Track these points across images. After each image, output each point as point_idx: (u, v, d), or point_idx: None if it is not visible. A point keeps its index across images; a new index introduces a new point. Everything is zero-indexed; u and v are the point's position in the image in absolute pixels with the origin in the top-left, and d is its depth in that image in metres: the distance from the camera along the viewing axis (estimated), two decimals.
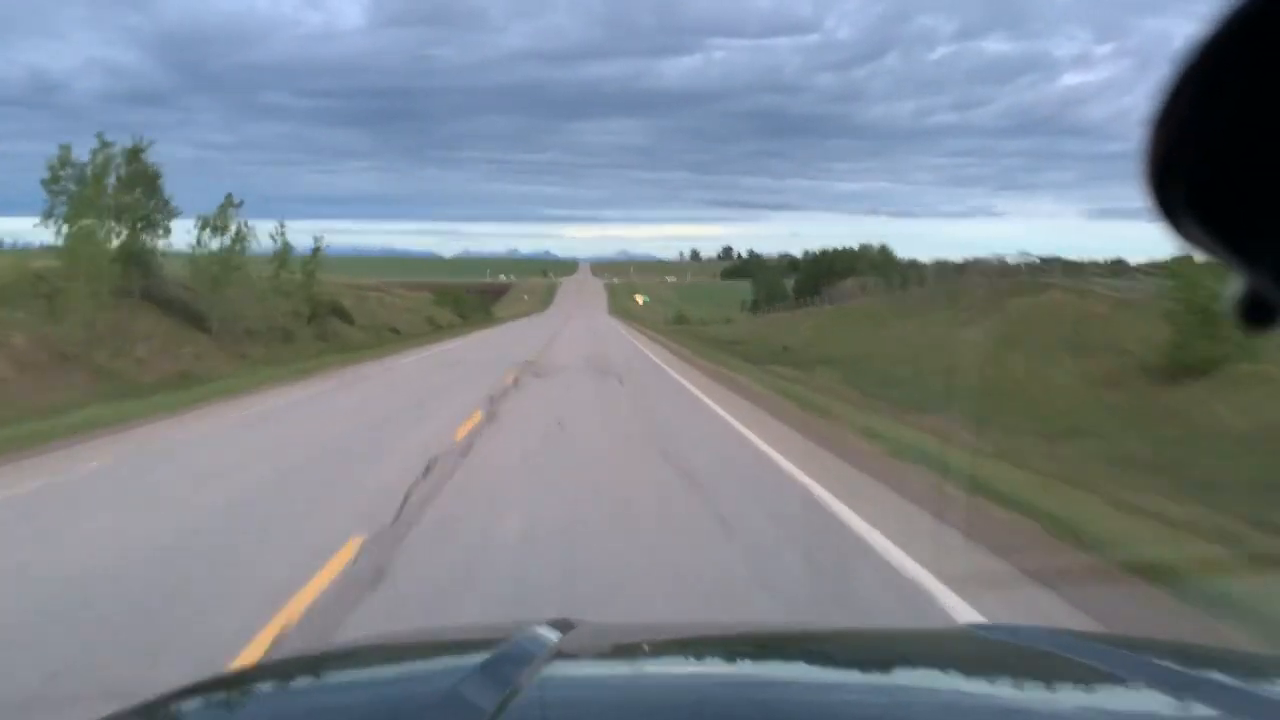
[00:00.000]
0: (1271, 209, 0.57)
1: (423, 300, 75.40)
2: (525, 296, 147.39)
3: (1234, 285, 0.62)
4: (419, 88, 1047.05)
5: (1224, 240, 0.60)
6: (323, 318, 36.94)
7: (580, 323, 66.90)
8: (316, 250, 41.61)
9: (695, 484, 8.11)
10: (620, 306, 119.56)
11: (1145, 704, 1.22)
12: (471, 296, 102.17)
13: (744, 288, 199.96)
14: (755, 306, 78.86)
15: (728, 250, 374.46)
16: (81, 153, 24.23)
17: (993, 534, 6.11)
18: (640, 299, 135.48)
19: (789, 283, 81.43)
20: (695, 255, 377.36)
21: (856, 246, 77.88)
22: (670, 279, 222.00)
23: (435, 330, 53.56)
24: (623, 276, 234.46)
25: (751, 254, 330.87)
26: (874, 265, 70.70)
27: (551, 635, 1.45)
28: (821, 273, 75.05)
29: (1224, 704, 1.14)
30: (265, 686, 1.50)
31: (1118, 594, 4.91)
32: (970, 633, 1.86)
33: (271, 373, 22.05)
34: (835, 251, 77.40)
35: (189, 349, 24.27)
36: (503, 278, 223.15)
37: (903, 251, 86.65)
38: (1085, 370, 17.90)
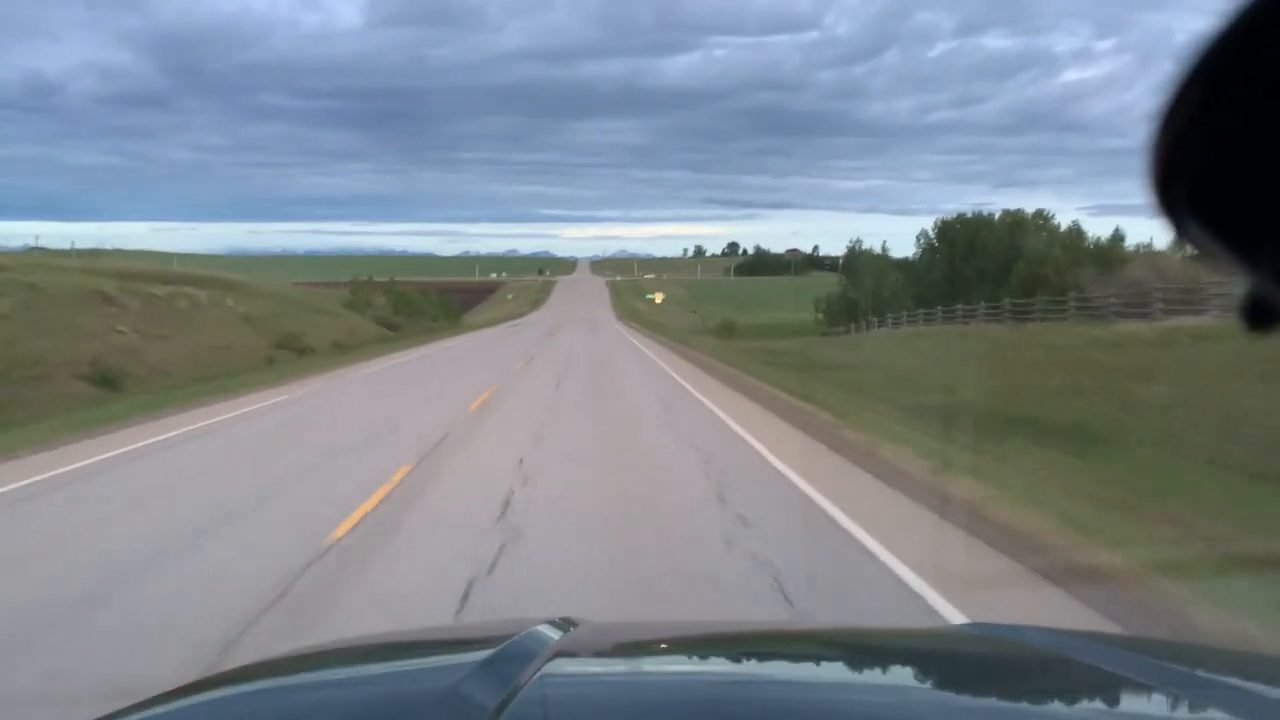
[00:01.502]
0: (1274, 212, 0.55)
1: (323, 300, 46.68)
2: (510, 296, 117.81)
3: (1237, 288, 0.59)
4: (417, 88, 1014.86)
5: (1227, 242, 0.58)
6: None
7: (573, 339, 38.10)
8: None
9: None
10: (628, 308, 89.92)
11: (1146, 704, 1.19)
12: (431, 296, 73.44)
13: (763, 285, 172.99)
14: (850, 313, 49.46)
15: (733, 246, 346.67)
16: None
17: None
18: (658, 297, 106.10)
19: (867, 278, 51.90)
20: (700, 252, 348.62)
21: (995, 217, 48.56)
22: (649, 276, 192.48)
23: (261, 371, 24.79)
24: (625, 274, 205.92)
25: (758, 250, 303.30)
26: (1049, 245, 42.17)
27: (553, 634, 1.41)
28: (957, 257, 46.11)
29: (1225, 704, 1.11)
30: (266, 684, 1.40)
31: None
32: (971, 632, 1.77)
33: None
34: (966, 221, 48.13)
35: None
36: (494, 276, 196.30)
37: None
38: None
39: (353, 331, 40.02)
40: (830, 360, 25.58)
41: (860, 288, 49.75)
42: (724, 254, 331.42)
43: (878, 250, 59.20)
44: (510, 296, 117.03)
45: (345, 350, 32.98)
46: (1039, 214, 49.21)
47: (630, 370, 19.99)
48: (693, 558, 5.66)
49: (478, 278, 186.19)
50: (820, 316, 57.03)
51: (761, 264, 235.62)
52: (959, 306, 32.20)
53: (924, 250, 48.69)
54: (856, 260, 53.79)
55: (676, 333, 45.42)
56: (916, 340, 28.28)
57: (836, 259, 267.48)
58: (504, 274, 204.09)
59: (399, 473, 8.33)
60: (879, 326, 39.88)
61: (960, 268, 45.31)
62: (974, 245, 45.29)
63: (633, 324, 58.91)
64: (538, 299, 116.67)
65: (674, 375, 18.65)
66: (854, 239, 58.81)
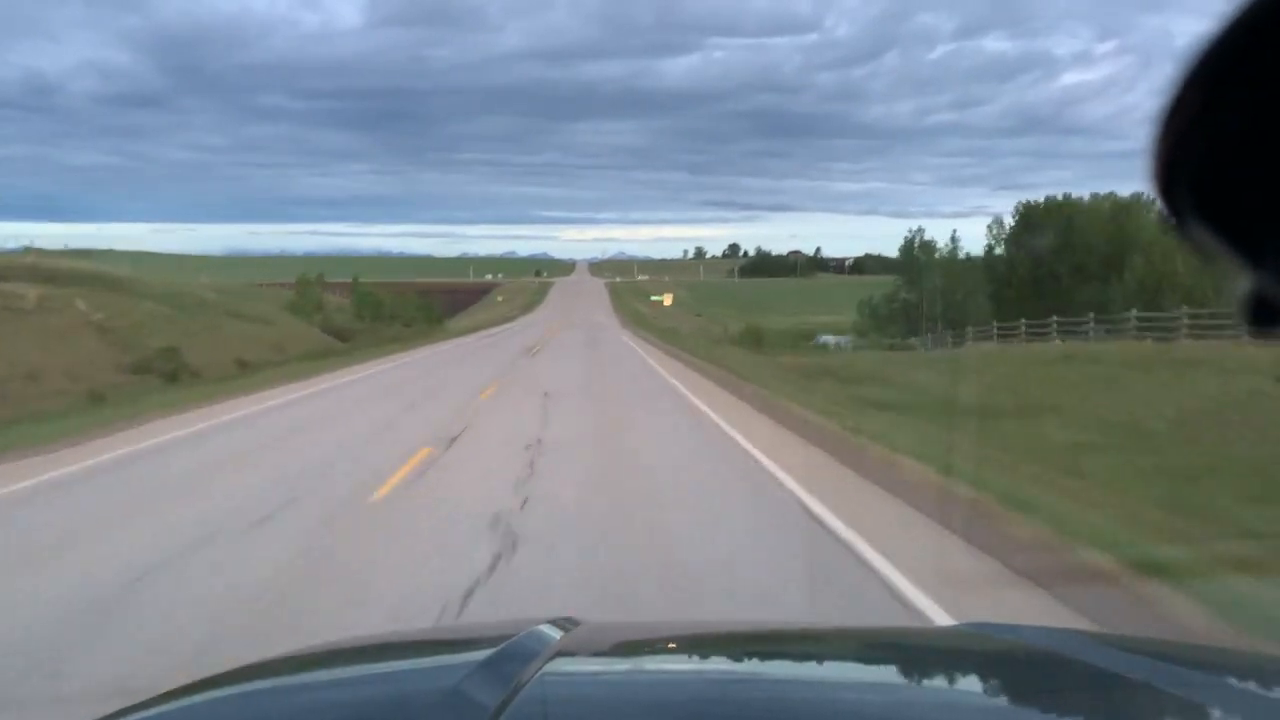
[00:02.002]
0: (1275, 212, 0.55)
1: (258, 303, 37.11)
2: (500, 299, 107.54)
3: (1240, 287, 0.59)
4: (416, 89, 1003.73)
5: (1230, 241, 0.58)
6: None
7: (564, 362, 28.67)
8: None
9: None
10: (632, 312, 79.97)
11: (1143, 703, 1.18)
12: (409, 298, 64.20)
13: (769, 287, 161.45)
14: (906, 319, 39.85)
15: (734, 248, 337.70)
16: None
17: None
18: (666, 299, 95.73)
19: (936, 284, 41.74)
20: (700, 253, 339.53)
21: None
22: (642, 278, 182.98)
23: (44, 424, 15.11)
24: (624, 275, 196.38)
25: (759, 251, 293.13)
26: None
27: (554, 633, 1.39)
28: (1045, 251, 36.74)
29: (1223, 703, 1.10)
30: (267, 684, 1.38)
31: None
32: (971, 631, 1.72)
33: None
34: (1055, 206, 38.45)
35: None
36: (488, 277, 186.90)
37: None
38: None
39: (282, 344, 30.52)
40: (960, 399, 16.04)
41: (920, 289, 39.87)
42: (724, 255, 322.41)
43: (942, 243, 48.65)
44: (500, 299, 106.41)
45: (248, 372, 23.52)
46: (1137, 197, 39.66)
47: (675, 456, 9.35)
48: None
49: (471, 279, 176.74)
50: (861, 321, 47.48)
51: (765, 265, 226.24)
52: (1140, 315, 22.62)
53: (1004, 242, 38.83)
54: (917, 257, 43.72)
55: (695, 344, 35.80)
56: (1082, 366, 18.67)
57: (842, 260, 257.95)
58: (499, 275, 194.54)
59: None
60: (971, 340, 30.28)
61: (1051, 265, 35.82)
62: (1069, 237, 35.74)
63: (641, 332, 49.16)
64: (532, 301, 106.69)
65: (764, 462, 8.61)
66: (913, 229, 48.16)
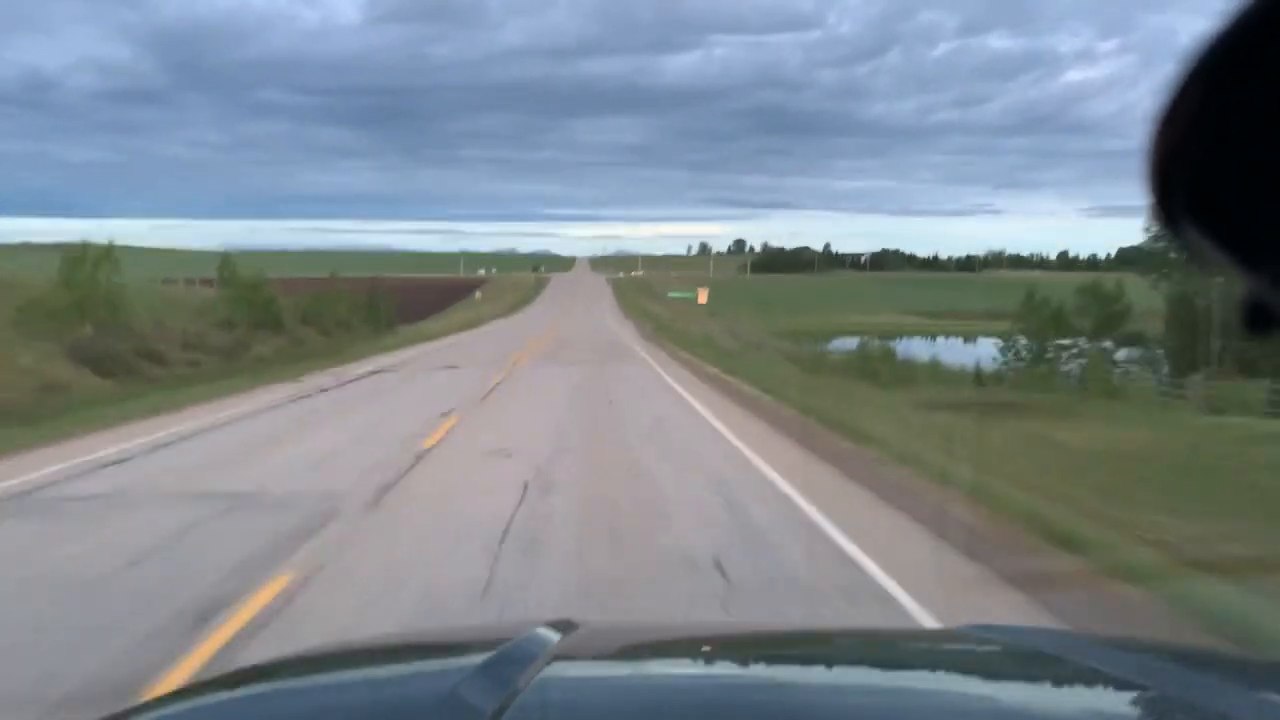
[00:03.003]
0: (1273, 214, 0.54)
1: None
2: (478, 296, 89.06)
3: (1235, 291, 0.58)
4: (417, 85, 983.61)
5: (1226, 245, 0.56)
6: None
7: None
8: None
9: None
10: (645, 315, 61.44)
11: (1142, 705, 1.17)
12: (341, 295, 46.31)
13: (788, 284, 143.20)
14: (1188, 348, 21.53)
15: (740, 243, 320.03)
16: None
17: None
18: (702, 295, 76.17)
19: None
20: (705, 249, 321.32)
21: None
22: (636, 274, 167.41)
23: None
24: (627, 272, 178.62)
25: (766, 248, 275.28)
26: None
27: (552, 636, 1.37)
28: None
29: (1220, 705, 1.09)
30: (265, 686, 1.37)
31: None
32: (970, 633, 1.70)
33: None
34: None
35: None
36: (481, 272, 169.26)
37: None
38: None
39: None
40: None
41: (1197, 284, 21.07)
42: (730, 252, 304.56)
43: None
44: (479, 296, 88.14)
45: None
46: None
47: None
48: None
49: (463, 274, 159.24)
50: (1015, 337, 29.50)
51: (777, 261, 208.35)
52: None
53: None
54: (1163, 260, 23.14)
55: (781, 382, 17.63)
56: None
57: (859, 256, 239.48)
58: (493, 270, 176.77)
59: None
60: None
61: None
62: None
63: (668, 346, 30.75)
64: (521, 300, 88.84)
65: None
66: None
